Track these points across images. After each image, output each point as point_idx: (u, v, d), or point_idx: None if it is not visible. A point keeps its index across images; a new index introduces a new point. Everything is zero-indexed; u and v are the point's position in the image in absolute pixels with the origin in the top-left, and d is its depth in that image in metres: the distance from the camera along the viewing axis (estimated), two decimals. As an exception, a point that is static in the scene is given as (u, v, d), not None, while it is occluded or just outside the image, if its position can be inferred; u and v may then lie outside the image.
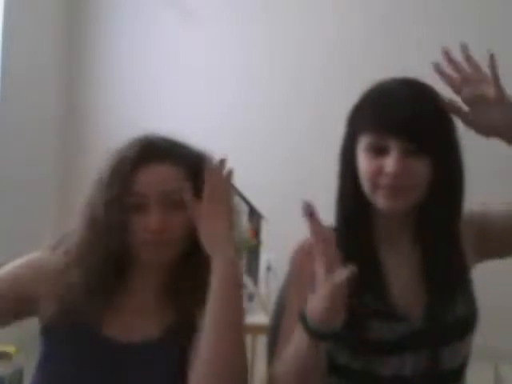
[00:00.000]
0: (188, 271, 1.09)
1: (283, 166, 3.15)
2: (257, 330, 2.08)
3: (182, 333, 1.06)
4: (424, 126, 1.02)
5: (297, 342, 0.98)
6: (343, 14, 3.06)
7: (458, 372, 1.12)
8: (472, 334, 1.12)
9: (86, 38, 3.47)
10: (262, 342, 1.72)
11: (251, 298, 2.16)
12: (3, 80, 2.96)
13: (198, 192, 1.07)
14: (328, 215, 1.16)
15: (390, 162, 1.00)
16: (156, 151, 1.08)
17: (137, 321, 1.08)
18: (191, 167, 1.09)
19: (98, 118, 3.34)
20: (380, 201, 1.04)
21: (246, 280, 2.27)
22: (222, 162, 1.06)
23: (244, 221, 2.45)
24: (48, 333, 1.07)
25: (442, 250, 1.09)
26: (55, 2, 3.38)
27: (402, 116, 1.01)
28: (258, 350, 2.27)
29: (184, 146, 1.12)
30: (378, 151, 1.03)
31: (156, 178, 1.06)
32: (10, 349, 2.35)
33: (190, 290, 1.08)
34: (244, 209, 2.47)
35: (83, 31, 3.46)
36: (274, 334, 1.45)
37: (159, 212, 1.03)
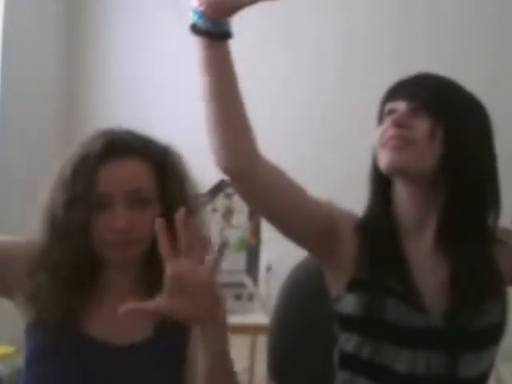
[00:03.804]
0: (160, 265, 1.03)
1: (283, 167, 3.15)
2: (257, 329, 2.08)
3: (169, 333, 1.02)
4: (437, 93, 1.06)
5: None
6: (343, 14, 3.06)
7: (478, 382, 1.07)
8: (498, 344, 1.08)
9: (86, 37, 3.46)
10: (261, 341, 1.72)
11: (251, 298, 2.15)
12: (3, 79, 2.96)
13: (163, 189, 1.03)
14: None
15: (395, 115, 1.06)
16: (119, 146, 1.01)
17: (122, 321, 1.01)
18: (157, 162, 1.03)
19: (97, 117, 3.34)
20: (383, 157, 1.06)
21: (246, 280, 2.26)
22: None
23: (244, 221, 2.45)
24: (30, 331, 1.03)
25: (469, 250, 1.06)
26: (55, 2, 3.38)
27: (411, 83, 1.08)
28: (257, 350, 2.27)
29: (149, 139, 1.07)
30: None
31: (120, 175, 0.99)
32: (10, 349, 2.35)
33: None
34: (244, 209, 2.47)
35: (83, 31, 3.46)
36: (275, 333, 1.45)
37: (125, 211, 0.97)
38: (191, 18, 0.95)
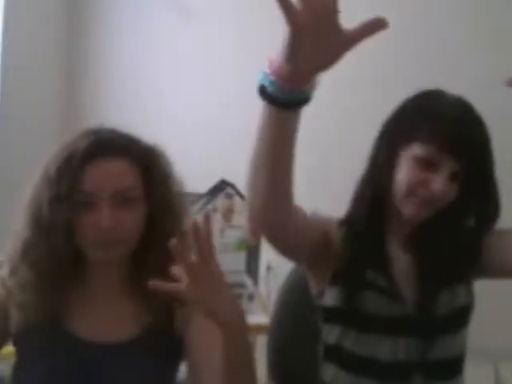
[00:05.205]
0: (146, 262, 1.03)
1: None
2: (257, 329, 2.08)
3: (157, 333, 1.03)
4: (475, 154, 1.03)
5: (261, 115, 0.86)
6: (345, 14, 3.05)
7: (453, 365, 1.14)
8: (467, 326, 1.14)
9: (86, 38, 3.46)
10: (261, 341, 1.72)
11: (251, 297, 2.15)
12: (3, 79, 2.96)
13: (148, 188, 1.03)
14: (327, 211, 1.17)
15: (438, 182, 1.03)
16: (105, 146, 1.02)
17: (110, 320, 1.04)
18: (141, 162, 1.03)
19: (97, 118, 3.34)
20: (410, 207, 1.07)
21: (246, 280, 2.26)
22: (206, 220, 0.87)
23: (244, 221, 2.44)
24: (17, 339, 1.04)
25: (433, 244, 1.13)
26: (55, 2, 3.38)
27: (458, 137, 1.02)
28: (258, 350, 2.27)
29: (133, 139, 1.07)
30: (428, 165, 1.04)
31: (105, 175, 1.00)
32: (11, 349, 2.36)
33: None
34: (244, 209, 2.47)
35: (83, 31, 3.46)
36: (275, 333, 1.45)
37: (110, 210, 0.98)
38: (259, 79, 0.83)
